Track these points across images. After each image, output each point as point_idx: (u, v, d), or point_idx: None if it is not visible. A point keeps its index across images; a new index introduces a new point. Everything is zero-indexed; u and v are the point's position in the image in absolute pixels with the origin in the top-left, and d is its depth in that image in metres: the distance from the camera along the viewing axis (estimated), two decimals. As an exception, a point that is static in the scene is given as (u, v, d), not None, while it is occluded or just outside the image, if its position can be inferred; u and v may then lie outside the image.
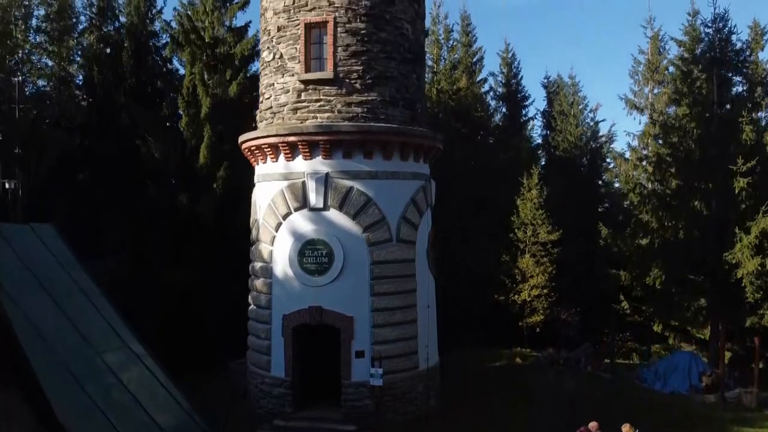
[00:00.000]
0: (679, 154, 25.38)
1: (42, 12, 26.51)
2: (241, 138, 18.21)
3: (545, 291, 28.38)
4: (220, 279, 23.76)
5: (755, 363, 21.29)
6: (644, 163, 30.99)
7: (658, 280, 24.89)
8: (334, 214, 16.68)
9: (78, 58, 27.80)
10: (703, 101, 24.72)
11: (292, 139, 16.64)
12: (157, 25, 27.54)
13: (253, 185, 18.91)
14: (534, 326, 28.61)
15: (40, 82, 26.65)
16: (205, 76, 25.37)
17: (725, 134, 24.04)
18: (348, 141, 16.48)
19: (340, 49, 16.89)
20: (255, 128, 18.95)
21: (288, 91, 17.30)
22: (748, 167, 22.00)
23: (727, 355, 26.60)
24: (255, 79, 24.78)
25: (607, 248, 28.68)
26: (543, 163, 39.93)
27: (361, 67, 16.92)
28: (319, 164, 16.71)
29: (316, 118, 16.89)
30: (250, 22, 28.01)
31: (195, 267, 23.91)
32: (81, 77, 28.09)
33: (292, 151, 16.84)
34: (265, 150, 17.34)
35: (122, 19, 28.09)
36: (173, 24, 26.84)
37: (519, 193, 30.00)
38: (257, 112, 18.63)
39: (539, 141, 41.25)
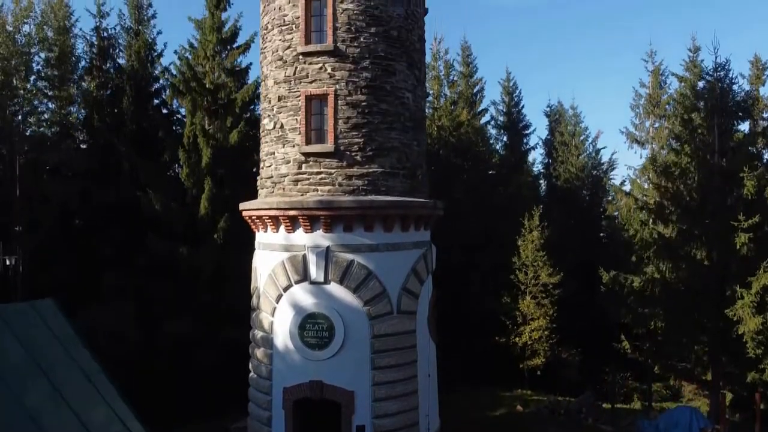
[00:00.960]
0: (680, 201, 25.31)
1: (43, 56, 26.54)
2: (242, 206, 18.17)
3: (546, 333, 28.33)
4: (220, 327, 23.75)
5: (757, 422, 21.23)
6: (644, 197, 30.94)
7: (660, 328, 24.85)
8: (334, 288, 16.63)
9: (78, 100, 27.74)
10: (704, 150, 24.63)
11: (292, 213, 16.59)
12: (158, 69, 27.43)
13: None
14: (535, 369, 28.56)
15: (41, 129, 26.58)
16: (206, 124, 25.30)
17: (726, 185, 23.99)
18: (349, 216, 16.43)
19: (341, 121, 16.83)
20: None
21: (289, 162, 17.25)
22: (750, 224, 21.91)
23: (728, 396, 26.60)
24: (256, 122, 24.69)
25: (607, 288, 28.59)
26: (544, 192, 39.93)
27: (361, 140, 16.87)
28: (320, 238, 16.66)
29: (317, 190, 16.84)
30: (251, 64, 27.94)
31: (195, 316, 23.94)
32: (81, 119, 28.00)
33: (293, 223, 16.80)
34: (266, 221, 17.31)
35: (122, 61, 28.00)
36: (173, 70, 26.75)
37: (520, 232, 29.88)
38: (258, 178, 18.57)
39: (541, 169, 41.25)
